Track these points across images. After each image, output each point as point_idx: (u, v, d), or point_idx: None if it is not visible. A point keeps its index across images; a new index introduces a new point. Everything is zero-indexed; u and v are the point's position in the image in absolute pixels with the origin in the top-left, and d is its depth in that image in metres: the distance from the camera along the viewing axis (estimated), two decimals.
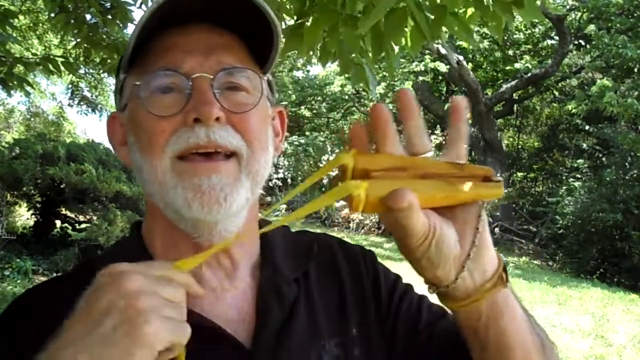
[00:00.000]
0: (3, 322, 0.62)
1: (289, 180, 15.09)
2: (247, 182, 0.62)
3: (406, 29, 1.63)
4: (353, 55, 1.85)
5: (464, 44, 12.41)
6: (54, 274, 6.28)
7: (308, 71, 18.86)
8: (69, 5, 3.29)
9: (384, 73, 14.17)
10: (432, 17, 1.50)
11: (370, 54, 1.82)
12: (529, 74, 13.69)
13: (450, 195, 0.51)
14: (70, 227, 7.52)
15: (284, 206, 12.67)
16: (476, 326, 0.56)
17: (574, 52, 14.35)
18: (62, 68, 3.47)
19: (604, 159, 12.27)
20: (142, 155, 0.62)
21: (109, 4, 3.30)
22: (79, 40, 3.63)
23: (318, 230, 0.85)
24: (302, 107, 18.76)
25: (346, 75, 2.05)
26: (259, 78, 0.65)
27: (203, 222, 0.60)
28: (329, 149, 13.68)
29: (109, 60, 3.82)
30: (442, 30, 1.57)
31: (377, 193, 0.47)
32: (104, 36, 3.61)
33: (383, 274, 0.76)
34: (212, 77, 0.61)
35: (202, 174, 0.59)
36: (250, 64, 0.66)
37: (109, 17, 3.27)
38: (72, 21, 3.33)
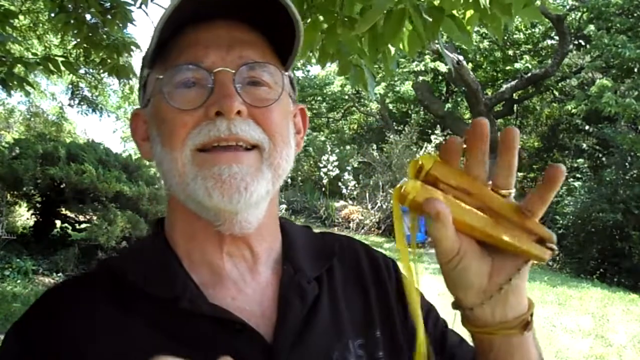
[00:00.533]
0: (20, 325, 0.62)
1: (288, 180, 15.10)
2: (269, 174, 0.63)
3: (404, 30, 1.63)
4: (352, 56, 1.85)
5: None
6: (54, 274, 6.28)
7: (308, 71, 18.87)
8: (69, 6, 3.29)
9: (383, 73, 14.18)
10: (430, 19, 1.50)
11: (368, 55, 1.82)
12: (529, 74, 13.70)
13: (488, 235, 0.51)
14: (70, 227, 7.52)
15: (284, 206, 12.68)
16: (487, 354, 0.57)
17: (574, 52, 14.35)
18: (63, 68, 3.47)
19: (603, 159, 12.27)
20: (163, 148, 0.63)
21: (108, 4, 3.30)
22: (78, 40, 3.63)
23: (317, 230, 0.85)
24: None
25: (346, 76, 2.05)
26: (280, 73, 0.66)
27: (224, 211, 0.61)
28: (329, 148, 13.68)
29: (109, 61, 3.82)
30: (440, 32, 1.57)
31: (422, 196, 0.50)
32: (104, 36, 3.61)
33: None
34: (233, 71, 0.61)
35: (222, 163, 0.60)
36: (272, 60, 0.66)
37: (109, 17, 3.27)
38: (72, 21, 3.33)
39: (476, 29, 1.81)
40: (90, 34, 3.48)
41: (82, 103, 14.55)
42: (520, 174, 16.59)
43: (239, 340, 0.61)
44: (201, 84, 0.61)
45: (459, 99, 16.32)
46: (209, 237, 0.65)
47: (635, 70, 11.20)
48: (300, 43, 0.66)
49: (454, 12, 1.61)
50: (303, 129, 0.75)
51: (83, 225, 7.31)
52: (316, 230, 0.82)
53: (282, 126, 0.65)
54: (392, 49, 1.74)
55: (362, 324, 0.69)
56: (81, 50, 4.20)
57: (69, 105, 14.77)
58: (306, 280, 0.68)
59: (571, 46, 13.67)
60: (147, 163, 8.37)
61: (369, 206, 12.31)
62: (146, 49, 0.65)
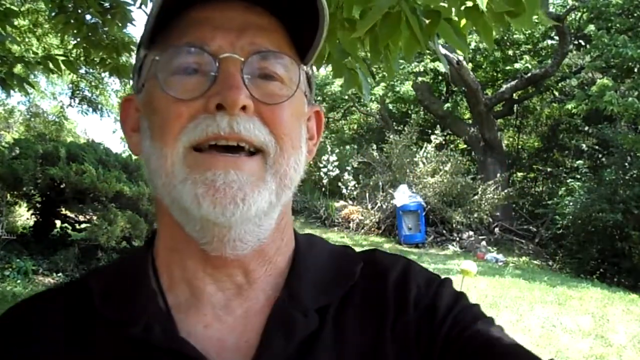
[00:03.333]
0: None
1: None
2: (273, 184, 0.53)
3: (401, 32, 1.63)
4: (345, 60, 1.85)
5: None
6: (54, 274, 6.28)
7: None
8: (69, 6, 3.29)
9: (384, 73, 14.18)
10: (427, 21, 1.50)
11: (365, 57, 1.82)
12: (529, 74, 13.69)
13: None
14: (70, 227, 7.52)
15: None
16: None
17: (574, 52, 14.35)
18: (63, 67, 3.47)
19: (603, 159, 12.27)
20: (153, 142, 0.54)
21: (108, 4, 3.30)
22: (78, 40, 3.63)
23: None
24: None
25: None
26: (296, 68, 0.56)
27: (214, 224, 0.51)
28: (329, 148, 13.67)
29: (108, 61, 3.82)
30: (436, 35, 1.57)
31: None
32: (104, 36, 3.61)
33: (449, 306, 0.56)
34: (242, 59, 0.52)
35: (218, 167, 0.50)
36: (289, 51, 0.56)
37: (109, 17, 3.27)
38: (72, 21, 3.33)
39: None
40: (90, 34, 3.49)
41: (82, 103, 14.56)
42: (520, 174, 16.59)
43: None
44: (204, 71, 0.52)
45: (459, 99, 16.31)
46: (192, 253, 0.55)
47: (636, 70, 11.19)
48: (323, 35, 0.56)
49: (450, 16, 1.62)
50: (317, 134, 0.65)
51: (83, 225, 7.31)
52: (358, 249, 0.67)
53: (292, 128, 0.55)
54: (395, 50, 1.75)
55: None
56: (81, 50, 4.20)
57: (69, 105, 14.78)
58: (301, 311, 0.55)
59: (571, 46, 13.66)
60: None
61: (369, 206, 12.30)
62: (144, 25, 0.56)
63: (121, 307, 0.54)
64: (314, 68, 0.65)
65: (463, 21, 1.68)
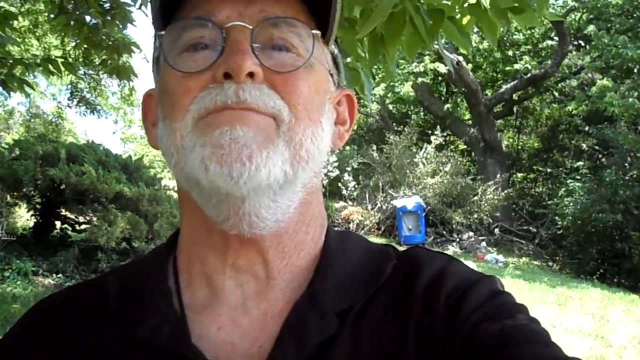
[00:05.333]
0: (5, 338, 0.58)
1: None
2: (285, 152, 0.48)
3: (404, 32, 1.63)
4: (348, 60, 1.84)
5: None
6: (54, 275, 6.28)
7: None
8: (69, 7, 3.29)
9: (383, 74, 14.19)
10: (430, 21, 1.49)
11: (366, 58, 1.82)
12: (529, 75, 13.71)
13: None
14: (70, 228, 7.52)
15: None
16: None
17: (574, 52, 14.36)
18: (63, 68, 3.48)
19: (603, 159, 12.28)
20: (164, 122, 0.51)
21: (108, 4, 3.30)
22: (78, 41, 3.64)
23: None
24: None
25: None
26: (311, 38, 0.51)
27: (227, 195, 0.47)
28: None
29: (109, 62, 3.83)
30: (440, 34, 1.56)
31: None
32: (104, 37, 3.62)
33: (477, 304, 0.50)
34: (251, 27, 0.49)
35: (224, 124, 0.47)
36: (304, 19, 0.52)
37: (109, 18, 3.28)
38: (72, 23, 3.33)
39: (476, 29, 1.80)
40: (90, 35, 3.49)
41: (81, 104, 14.56)
42: (520, 175, 16.60)
43: None
44: (212, 45, 0.50)
45: (459, 100, 16.33)
46: (213, 242, 0.53)
47: (635, 70, 11.20)
48: (338, 9, 0.53)
49: (454, 15, 1.61)
50: (350, 120, 0.61)
51: (83, 226, 7.31)
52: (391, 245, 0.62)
53: (310, 100, 0.51)
54: (393, 50, 1.74)
55: None
56: (81, 51, 4.20)
57: (68, 106, 14.79)
58: (319, 314, 0.50)
59: (571, 47, 13.68)
60: (147, 164, 8.37)
61: (369, 207, 12.30)
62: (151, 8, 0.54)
63: (134, 307, 0.53)
64: (340, 50, 0.62)
65: (466, 19, 1.67)
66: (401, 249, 0.59)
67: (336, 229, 0.62)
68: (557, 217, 11.36)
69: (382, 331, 0.50)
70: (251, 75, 0.48)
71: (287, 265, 0.54)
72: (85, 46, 3.66)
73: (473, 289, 0.51)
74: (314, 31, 0.52)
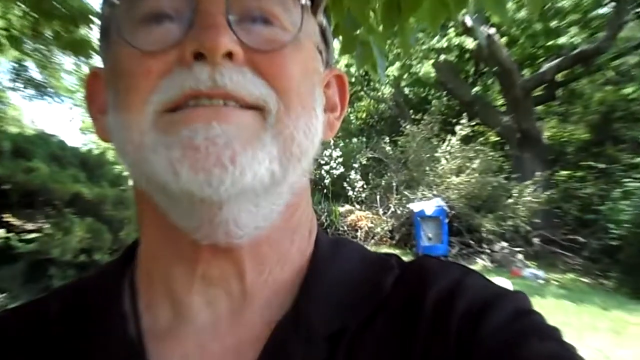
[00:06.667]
0: None
1: None
2: (274, 149, 0.48)
3: None
4: (358, 31, 1.84)
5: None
6: None
7: None
8: None
9: (398, 50, 14.19)
10: None
11: (380, 29, 1.81)
12: (576, 51, 13.68)
13: None
14: (16, 238, 7.52)
15: None
16: None
17: (633, 23, 14.34)
18: (6, 43, 3.48)
19: None
20: (117, 113, 0.50)
21: None
22: (26, 9, 3.64)
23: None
24: None
25: (351, 54, 2.04)
26: (299, 9, 0.51)
27: (201, 201, 0.46)
28: (332, 142, 13.68)
29: (64, 34, 3.82)
30: (469, 1, 1.55)
31: None
32: (57, 5, 3.61)
33: (497, 328, 0.48)
34: None
35: (197, 120, 0.46)
36: None
37: None
38: None
39: None
40: (39, 2, 3.49)
41: (27, 86, 14.55)
42: (564, 173, 16.59)
43: None
44: (178, 17, 0.49)
45: (490, 82, 16.32)
46: (180, 253, 0.52)
47: None
48: None
49: None
50: (341, 105, 0.62)
51: (32, 235, 7.31)
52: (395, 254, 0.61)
53: (301, 83, 0.51)
54: (411, 20, 1.73)
55: None
56: (29, 21, 4.20)
57: (11, 88, 14.76)
58: (304, 339, 0.50)
59: (629, 15, 13.65)
60: (112, 159, 8.38)
61: (380, 211, 12.31)
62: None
63: (80, 336, 0.53)
64: (329, 21, 0.62)
65: None
66: None
67: (330, 235, 0.62)
68: (611, 224, 11.34)
69: (382, 358, 0.49)
70: (229, 55, 0.47)
71: (266, 280, 0.54)
72: (35, 15, 3.66)
73: (493, 308, 0.50)
74: (307, 6, 0.52)
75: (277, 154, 0.48)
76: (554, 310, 7.28)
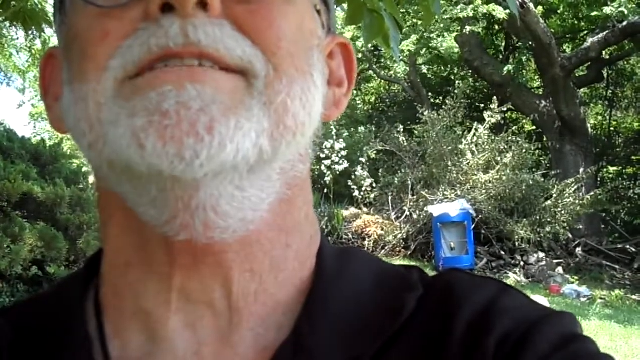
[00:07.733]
0: None
1: None
2: (264, 119, 0.46)
3: None
4: None
5: None
6: None
7: None
8: None
9: (414, 20, 14.17)
10: None
11: None
12: (626, 23, 13.67)
13: None
14: None
15: None
16: None
17: None
18: None
19: None
20: (71, 88, 0.49)
21: None
22: None
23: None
24: None
25: (358, 26, 2.03)
26: None
27: (173, 180, 0.44)
28: (334, 131, 13.69)
29: (12, 4, 3.83)
30: None
31: None
32: None
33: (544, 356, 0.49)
34: None
35: (166, 82, 0.44)
36: None
37: None
38: None
39: None
40: None
41: None
42: (613, 169, 16.60)
43: None
44: None
45: (525, 59, 16.32)
46: (151, 258, 0.51)
47: None
48: None
49: None
50: (348, 79, 0.61)
51: None
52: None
53: (293, 43, 0.50)
54: None
55: None
56: None
57: None
58: None
59: None
60: (68, 151, 8.38)
61: (393, 215, 12.32)
62: None
63: None
64: None
65: None
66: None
67: (335, 245, 0.62)
68: None
69: None
70: (203, 5, 0.45)
71: (258, 291, 0.52)
72: None
73: (536, 333, 0.49)
74: None
75: (268, 126, 0.46)
76: (600, 332, 7.28)
